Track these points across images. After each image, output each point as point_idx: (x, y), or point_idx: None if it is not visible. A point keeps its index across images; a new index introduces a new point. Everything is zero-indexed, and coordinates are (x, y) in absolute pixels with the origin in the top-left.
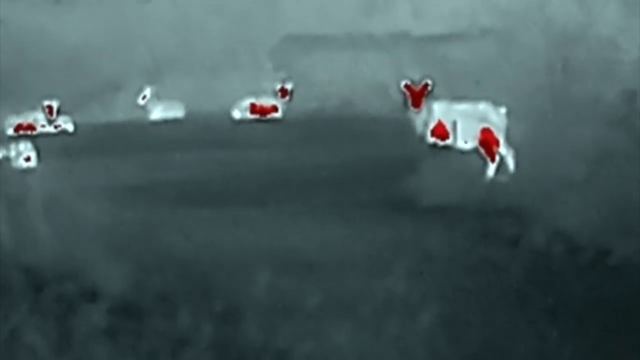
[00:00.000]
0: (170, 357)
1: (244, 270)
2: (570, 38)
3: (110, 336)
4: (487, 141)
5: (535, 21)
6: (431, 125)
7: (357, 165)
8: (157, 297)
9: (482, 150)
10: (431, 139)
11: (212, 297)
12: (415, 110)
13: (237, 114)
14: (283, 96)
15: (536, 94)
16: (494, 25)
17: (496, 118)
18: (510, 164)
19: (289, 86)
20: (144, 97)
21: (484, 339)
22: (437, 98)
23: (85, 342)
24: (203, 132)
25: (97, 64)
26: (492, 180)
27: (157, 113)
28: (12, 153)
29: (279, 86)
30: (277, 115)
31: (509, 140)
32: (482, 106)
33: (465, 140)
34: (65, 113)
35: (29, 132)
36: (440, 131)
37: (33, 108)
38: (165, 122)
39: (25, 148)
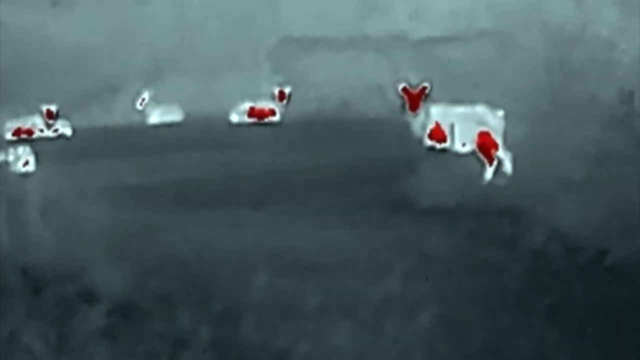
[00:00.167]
0: (170, 358)
1: (243, 271)
2: (568, 39)
3: (110, 337)
4: (485, 144)
5: (533, 23)
6: (429, 129)
7: (356, 166)
8: (156, 298)
9: (480, 154)
10: (429, 142)
11: (212, 298)
12: (413, 113)
13: (235, 118)
14: (281, 100)
15: (534, 95)
16: (492, 27)
17: (494, 121)
18: (508, 167)
19: (287, 89)
20: (142, 101)
21: (483, 339)
22: (435, 100)
23: (84, 344)
24: (202, 135)
25: (95, 67)
26: (491, 183)
27: (155, 117)
28: (11, 157)
29: (277, 90)
30: (275, 119)
31: (507, 142)
32: (480, 109)
33: (463, 143)
34: (63, 117)
35: (27, 137)
36: (438, 134)
37: (31, 112)
38: (163, 125)
39: (24, 152)
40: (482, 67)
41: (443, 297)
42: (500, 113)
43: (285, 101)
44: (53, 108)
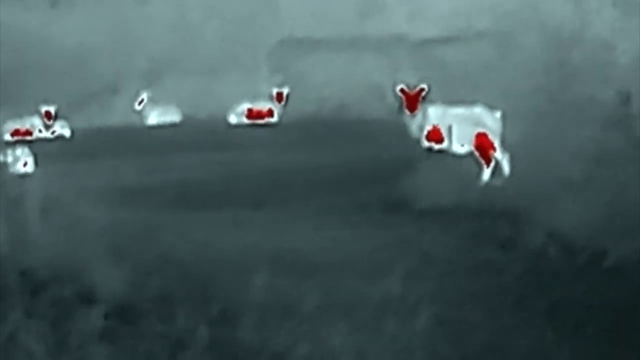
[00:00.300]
0: (169, 358)
1: (242, 271)
2: (567, 40)
3: (108, 338)
4: (483, 145)
5: (532, 24)
6: (426, 130)
7: (355, 167)
8: (155, 299)
9: (477, 155)
10: (427, 143)
11: (210, 299)
12: (411, 114)
13: (233, 119)
14: (279, 101)
15: (533, 96)
16: (490, 28)
17: (491, 122)
18: (506, 168)
19: (285, 91)
20: (140, 102)
21: (482, 340)
22: (432, 101)
23: (82, 345)
24: (200, 136)
25: (94, 68)
26: (489, 184)
27: (154, 118)
28: (10, 158)
29: (275, 91)
30: (273, 119)
31: (504, 143)
32: (478, 110)
33: (460, 144)
34: (62, 117)
35: (26, 138)
36: (435, 135)
37: (30, 113)
38: (162, 126)
39: (23, 153)
40: (481, 68)
41: (442, 297)
42: (498, 114)
43: (283, 102)
44: (52, 109)
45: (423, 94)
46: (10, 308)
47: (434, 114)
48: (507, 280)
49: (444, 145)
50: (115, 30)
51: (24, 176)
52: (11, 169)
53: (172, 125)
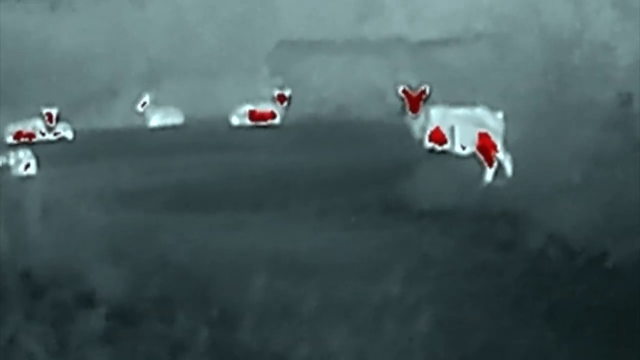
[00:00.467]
0: None
1: (242, 274)
2: (566, 42)
3: (108, 341)
4: (485, 146)
5: (531, 25)
6: (429, 131)
7: (356, 169)
8: (155, 301)
9: (480, 155)
10: (429, 144)
11: (210, 300)
12: (413, 115)
13: (235, 121)
14: (281, 102)
15: (533, 98)
16: (490, 29)
17: (493, 123)
18: (508, 168)
19: (286, 92)
20: (143, 104)
21: (481, 342)
22: (433, 103)
23: (82, 348)
24: (202, 137)
25: (95, 70)
26: (490, 185)
27: (156, 120)
28: (12, 161)
29: (276, 92)
30: (276, 121)
31: (505, 145)
32: (480, 111)
33: (463, 145)
34: (64, 120)
35: (28, 140)
36: (438, 136)
37: (32, 115)
38: (164, 128)
39: (25, 156)
40: (481, 70)
41: (442, 299)
42: (500, 115)
43: (285, 104)
44: (54, 111)
45: (425, 95)
46: (11, 310)
47: (436, 115)
48: (507, 282)
49: (447, 146)
50: (115, 33)
51: (26, 178)
52: (13, 172)
53: (174, 127)
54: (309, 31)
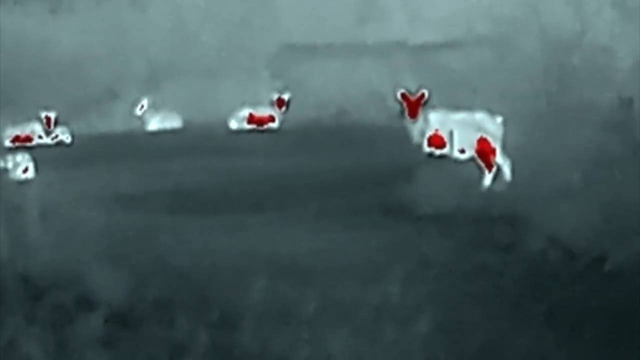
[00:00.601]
0: None
1: (241, 277)
2: (566, 45)
3: (108, 343)
4: (484, 151)
5: (531, 29)
6: (428, 135)
7: (354, 173)
8: (154, 303)
9: (479, 160)
10: (428, 148)
11: (210, 303)
12: (412, 120)
13: (234, 125)
14: (280, 107)
15: (533, 101)
16: (490, 33)
17: (493, 127)
18: (507, 173)
19: (285, 96)
20: (141, 108)
21: (481, 343)
22: (433, 106)
23: (82, 351)
24: (201, 141)
25: (94, 74)
26: (489, 189)
27: (155, 124)
28: (10, 164)
29: (275, 97)
30: (274, 125)
31: (505, 147)
32: (479, 116)
33: (462, 149)
34: (63, 123)
35: (26, 144)
36: (437, 141)
37: (30, 119)
38: (163, 132)
39: (23, 159)
40: (481, 73)
41: (442, 301)
42: (499, 119)
43: (284, 108)
44: (52, 115)
45: (424, 99)
46: (10, 313)
47: (435, 120)
48: (506, 283)
49: (445, 150)
50: (115, 36)
51: (24, 182)
52: (11, 175)
53: (173, 131)
54: (309, 34)
